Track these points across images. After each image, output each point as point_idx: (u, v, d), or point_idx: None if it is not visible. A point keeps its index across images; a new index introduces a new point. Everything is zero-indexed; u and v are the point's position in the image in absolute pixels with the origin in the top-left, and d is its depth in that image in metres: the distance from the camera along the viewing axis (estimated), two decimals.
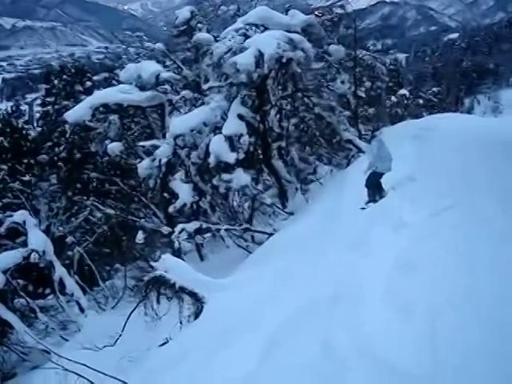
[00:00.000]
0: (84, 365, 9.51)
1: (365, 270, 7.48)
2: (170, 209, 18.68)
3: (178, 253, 17.10)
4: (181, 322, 10.34)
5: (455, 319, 5.61)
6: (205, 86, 20.13)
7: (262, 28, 18.09)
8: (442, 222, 8.66)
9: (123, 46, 32.20)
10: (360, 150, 20.18)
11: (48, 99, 28.68)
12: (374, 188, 12.65)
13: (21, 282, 19.68)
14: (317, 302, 7.06)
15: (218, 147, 16.89)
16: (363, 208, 12.51)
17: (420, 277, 6.79)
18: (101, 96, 20.01)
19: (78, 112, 19.19)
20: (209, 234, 18.31)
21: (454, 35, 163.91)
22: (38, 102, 35.67)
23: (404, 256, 7.56)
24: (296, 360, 5.82)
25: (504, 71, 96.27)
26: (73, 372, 9.46)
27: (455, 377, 4.84)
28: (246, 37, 17.88)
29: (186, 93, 21.57)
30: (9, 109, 29.75)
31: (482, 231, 7.88)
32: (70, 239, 23.37)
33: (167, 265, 10.51)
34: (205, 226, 17.80)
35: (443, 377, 4.87)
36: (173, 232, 17.51)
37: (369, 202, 12.64)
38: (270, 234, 17.08)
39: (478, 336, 5.26)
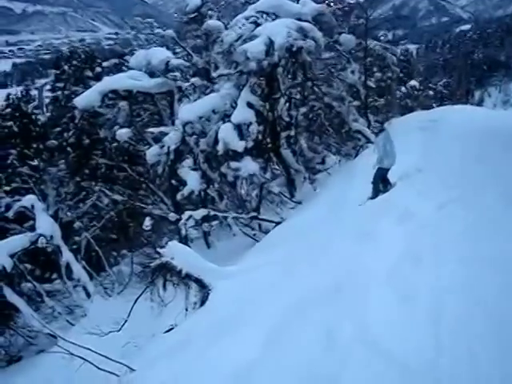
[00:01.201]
0: (89, 349, 9.59)
1: (370, 260, 7.50)
2: (178, 196, 18.69)
3: (184, 240, 17.16)
4: (186, 309, 10.37)
5: (459, 310, 5.62)
6: (214, 74, 20.07)
7: (272, 16, 17.99)
8: (448, 213, 8.64)
9: (133, 33, 32.04)
10: (369, 141, 20.09)
11: (58, 85, 28.61)
12: (379, 185, 12.60)
13: (28, 266, 19.84)
14: (321, 291, 7.08)
15: (227, 135, 16.85)
16: (360, 205, 12.47)
17: (424, 267, 6.81)
18: (110, 82, 19.99)
19: (88, 98, 19.20)
20: (216, 222, 18.37)
21: (466, 27, 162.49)
22: (48, 87, 35.65)
23: (409, 247, 7.58)
24: (299, 348, 5.85)
25: None
26: (78, 356, 9.55)
27: (458, 367, 4.85)
28: (257, 25, 17.79)
29: (195, 80, 21.49)
30: (19, 94, 29.61)
31: (487, 223, 7.85)
32: (77, 224, 23.51)
33: (174, 251, 10.50)
34: (212, 213, 17.82)
35: (446, 367, 4.87)
36: (180, 219, 17.54)
37: (371, 198, 12.59)
38: (278, 223, 17.06)
39: (481, 327, 5.27)
